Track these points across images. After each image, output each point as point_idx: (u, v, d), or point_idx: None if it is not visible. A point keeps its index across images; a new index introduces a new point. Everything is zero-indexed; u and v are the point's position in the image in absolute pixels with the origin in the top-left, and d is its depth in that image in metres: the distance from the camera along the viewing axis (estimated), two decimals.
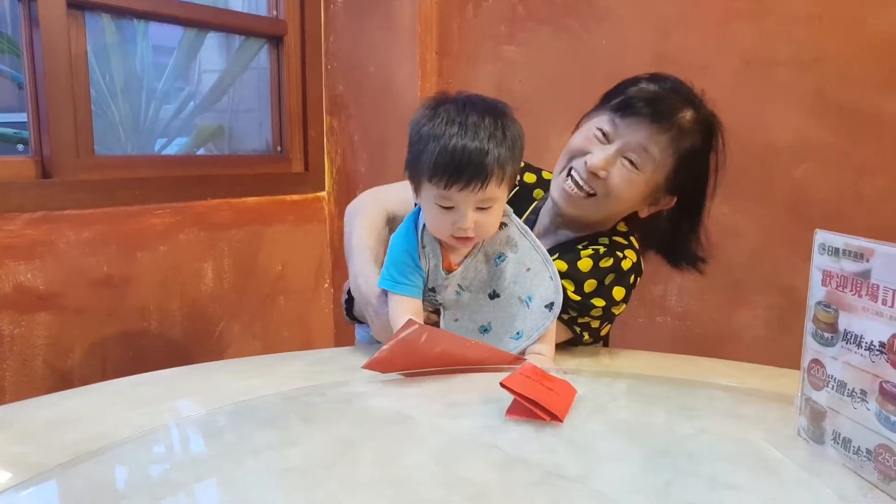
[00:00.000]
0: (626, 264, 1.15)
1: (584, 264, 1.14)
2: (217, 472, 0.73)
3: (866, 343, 0.67)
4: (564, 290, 1.10)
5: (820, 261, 0.74)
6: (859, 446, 0.68)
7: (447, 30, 2.16)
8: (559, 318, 1.10)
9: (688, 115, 1.13)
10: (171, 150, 2.28)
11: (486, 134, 0.97)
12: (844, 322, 0.70)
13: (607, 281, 1.14)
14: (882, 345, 0.65)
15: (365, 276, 1.17)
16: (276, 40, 2.16)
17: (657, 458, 0.75)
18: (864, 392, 0.67)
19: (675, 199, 1.20)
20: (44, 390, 0.92)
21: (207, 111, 2.35)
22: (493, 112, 1.00)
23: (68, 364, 1.59)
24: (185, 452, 0.81)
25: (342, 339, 2.29)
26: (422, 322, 1.06)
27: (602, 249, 1.16)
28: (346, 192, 2.26)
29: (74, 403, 0.90)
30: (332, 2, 2.20)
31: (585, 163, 1.14)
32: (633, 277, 1.16)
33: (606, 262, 1.14)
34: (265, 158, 2.21)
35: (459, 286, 1.08)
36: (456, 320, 1.09)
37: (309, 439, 0.79)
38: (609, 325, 1.21)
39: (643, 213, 1.20)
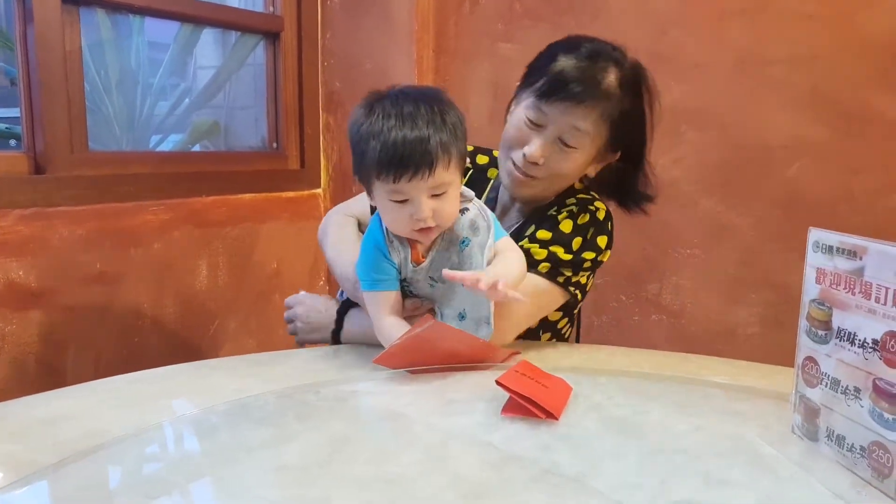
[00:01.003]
0: (600, 215, 1.21)
1: (566, 226, 1.18)
2: (211, 471, 0.72)
3: (860, 340, 0.67)
4: (555, 254, 1.15)
5: (814, 259, 0.74)
6: (853, 443, 0.69)
7: (444, 27, 2.16)
8: (556, 282, 1.15)
9: (612, 78, 1.15)
10: (166, 147, 2.27)
11: (424, 121, 0.97)
12: (838, 320, 0.71)
13: (589, 235, 1.18)
14: (875, 342, 0.65)
15: (350, 280, 1.18)
16: (272, 36, 2.16)
17: (652, 456, 0.75)
18: (857, 389, 0.68)
19: (619, 153, 1.24)
20: (36, 388, 0.91)
21: (203, 107, 2.34)
22: (428, 99, 1.00)
23: (61, 362, 1.58)
24: (179, 451, 0.81)
25: None
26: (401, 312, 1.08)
27: (575, 209, 1.21)
28: (342, 189, 2.26)
29: (67, 402, 0.90)
30: None
31: (524, 154, 1.16)
32: (609, 224, 1.22)
33: (584, 219, 1.19)
34: (261, 155, 2.20)
35: (431, 278, 1.08)
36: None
37: (304, 437, 0.79)
38: (592, 278, 1.25)
39: (591, 174, 1.25)
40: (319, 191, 2.27)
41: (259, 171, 2.11)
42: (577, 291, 1.20)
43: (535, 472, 0.71)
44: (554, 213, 1.21)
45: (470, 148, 1.35)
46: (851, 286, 0.68)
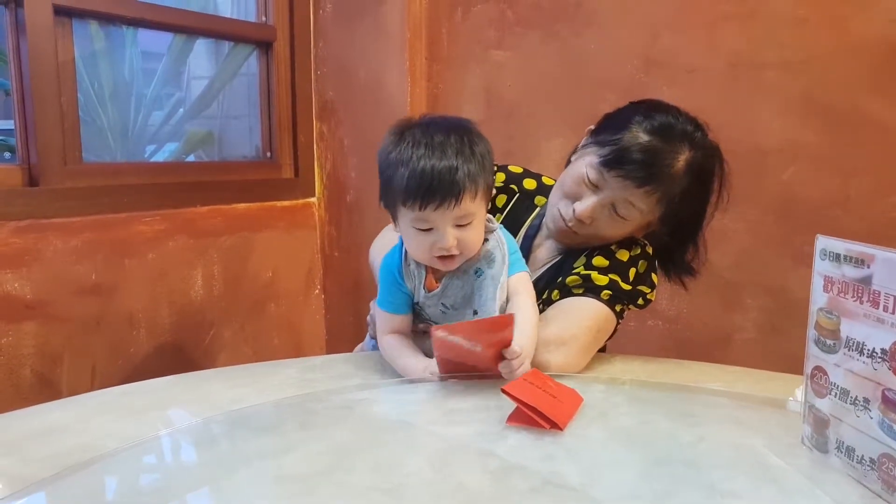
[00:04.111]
0: (649, 249, 1.21)
1: (622, 255, 1.18)
2: (209, 482, 0.72)
3: (868, 350, 0.66)
4: (616, 282, 1.14)
5: (821, 266, 0.73)
6: (862, 455, 0.67)
7: (436, 35, 2.16)
8: (614, 310, 1.14)
9: (680, 163, 1.12)
10: (161, 157, 2.27)
11: (454, 151, 0.97)
12: (846, 329, 0.69)
13: (642, 268, 1.18)
14: (884, 352, 0.64)
15: None
16: (265, 46, 2.16)
17: (657, 466, 0.75)
18: (866, 400, 0.67)
19: (669, 228, 1.21)
20: (31, 401, 0.91)
21: (197, 117, 2.34)
22: (458, 130, 1.00)
23: (56, 374, 1.57)
24: (176, 463, 0.81)
25: (333, 345, 2.28)
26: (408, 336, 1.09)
27: (625, 240, 1.20)
28: (337, 197, 2.25)
29: (62, 414, 0.89)
30: (322, 7, 2.20)
31: (574, 210, 1.15)
32: (656, 262, 1.22)
33: (636, 251, 1.19)
34: (255, 165, 2.20)
35: (444, 304, 1.07)
36: None
37: (305, 447, 0.79)
38: None
39: (637, 235, 1.23)
40: (314, 199, 2.26)
41: (253, 180, 2.11)
42: (620, 322, 1.19)
43: (536, 481, 0.70)
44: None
45: (518, 169, 1.35)
46: (859, 295, 0.67)
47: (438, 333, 0.94)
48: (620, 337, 1.24)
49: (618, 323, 1.18)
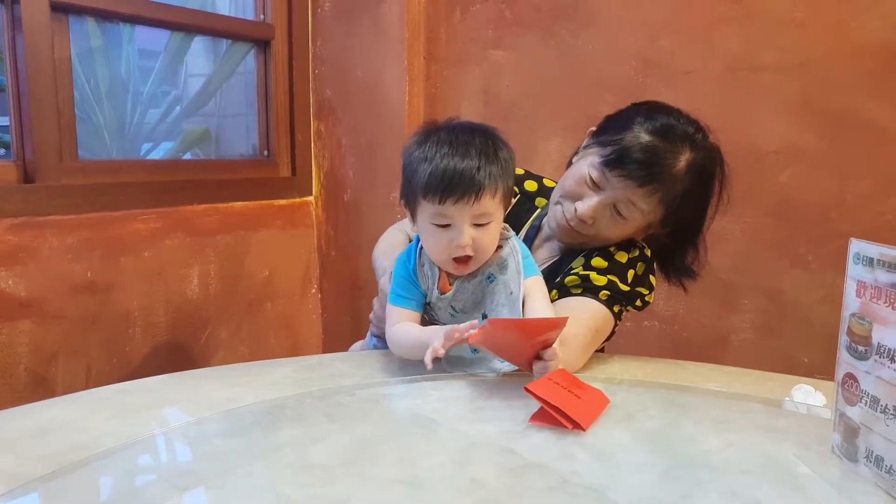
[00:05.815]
0: (647, 252, 1.21)
1: (621, 256, 1.18)
2: (206, 482, 0.72)
3: None
4: (615, 283, 1.14)
5: (854, 271, 0.71)
6: (891, 465, 0.66)
7: (435, 34, 2.16)
8: (612, 310, 1.14)
9: (681, 163, 1.12)
10: (157, 155, 2.26)
11: (477, 152, 0.99)
12: (878, 335, 0.67)
13: (640, 270, 1.19)
14: None
15: (380, 274, 1.22)
16: (263, 44, 2.15)
17: (679, 470, 0.74)
18: None
19: (670, 229, 1.21)
20: (25, 399, 0.90)
21: (194, 115, 2.33)
22: (483, 134, 1.03)
23: (51, 372, 1.57)
24: (172, 462, 0.80)
25: (330, 344, 2.28)
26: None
27: (623, 242, 1.21)
28: (334, 196, 2.25)
29: (58, 412, 0.88)
30: (320, 6, 2.20)
31: (575, 209, 1.16)
32: (654, 264, 1.22)
33: (634, 252, 1.20)
34: (252, 163, 2.20)
35: (453, 307, 1.08)
36: None
37: (329, 439, 0.80)
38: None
39: (637, 236, 1.23)
40: (311, 198, 2.26)
41: (250, 178, 2.10)
42: (618, 323, 1.19)
43: (554, 481, 0.70)
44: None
45: (520, 171, 1.36)
46: (892, 300, 0.65)
47: (493, 325, 0.92)
48: (617, 337, 1.24)
49: (616, 324, 1.18)
